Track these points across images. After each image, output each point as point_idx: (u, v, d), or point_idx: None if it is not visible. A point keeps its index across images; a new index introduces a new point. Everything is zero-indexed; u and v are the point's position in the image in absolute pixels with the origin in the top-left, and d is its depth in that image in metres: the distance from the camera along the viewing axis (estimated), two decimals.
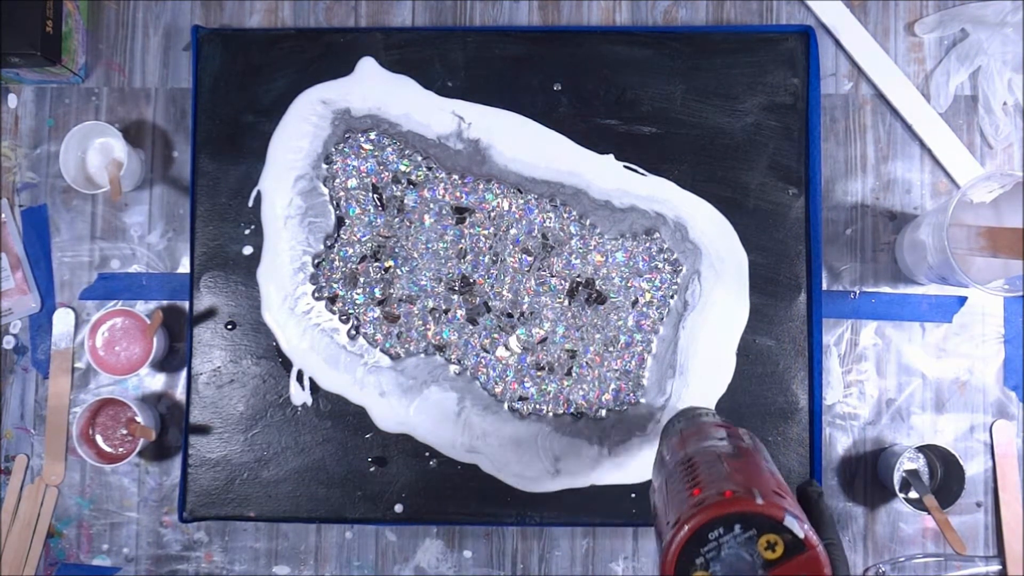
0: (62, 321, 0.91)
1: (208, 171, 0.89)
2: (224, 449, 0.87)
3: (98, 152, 0.90)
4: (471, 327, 0.88)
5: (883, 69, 0.91)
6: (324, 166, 0.89)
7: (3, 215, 0.91)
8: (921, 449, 0.87)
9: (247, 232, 0.89)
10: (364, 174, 0.89)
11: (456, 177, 0.89)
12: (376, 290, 0.88)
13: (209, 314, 0.88)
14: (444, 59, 0.90)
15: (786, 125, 0.88)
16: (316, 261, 0.88)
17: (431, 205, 0.89)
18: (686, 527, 0.50)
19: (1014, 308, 0.89)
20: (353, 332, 0.88)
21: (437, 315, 0.88)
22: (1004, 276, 0.80)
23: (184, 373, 0.90)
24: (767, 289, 0.87)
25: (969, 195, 0.80)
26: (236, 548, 0.90)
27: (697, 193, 0.88)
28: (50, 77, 0.91)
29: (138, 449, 0.85)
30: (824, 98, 0.91)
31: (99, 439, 0.88)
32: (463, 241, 0.88)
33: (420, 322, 0.88)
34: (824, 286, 0.90)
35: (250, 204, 0.89)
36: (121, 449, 0.88)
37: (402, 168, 0.89)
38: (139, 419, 0.85)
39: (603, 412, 0.87)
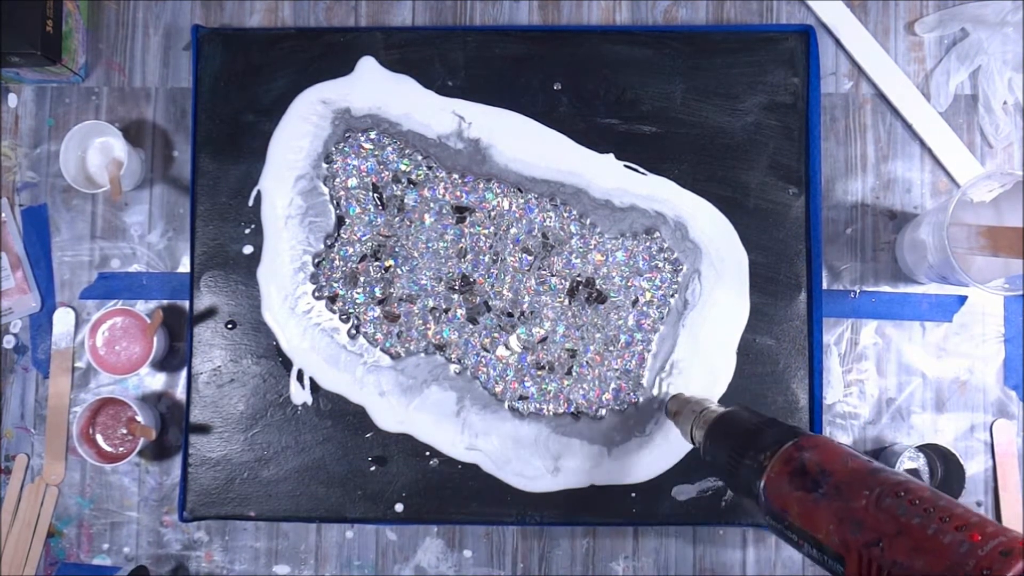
0: (62, 321, 0.91)
1: (208, 170, 0.89)
2: (224, 448, 0.87)
3: (98, 151, 0.90)
4: (471, 326, 0.88)
5: (883, 68, 0.91)
6: (324, 165, 0.89)
7: (3, 215, 0.91)
8: (921, 448, 0.87)
9: (247, 231, 0.89)
10: (364, 173, 0.89)
11: (456, 176, 0.89)
12: (376, 289, 0.88)
13: (209, 313, 0.88)
14: (444, 59, 0.90)
15: (786, 124, 0.88)
16: (316, 260, 0.88)
17: (431, 204, 0.89)
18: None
19: (1014, 307, 0.89)
20: (353, 331, 0.88)
21: (437, 314, 0.88)
22: (1004, 275, 0.80)
23: (184, 372, 0.90)
24: (767, 288, 0.87)
25: (969, 194, 0.80)
26: (236, 548, 0.90)
27: (697, 192, 0.88)
28: (50, 77, 0.91)
29: (138, 449, 0.85)
30: (824, 97, 0.91)
31: (99, 439, 0.88)
32: (463, 240, 0.88)
33: (420, 321, 0.88)
34: (824, 285, 0.90)
35: (250, 203, 0.89)
36: (121, 449, 0.88)
37: (402, 167, 0.89)
38: (139, 418, 0.85)
39: (603, 412, 0.87)
